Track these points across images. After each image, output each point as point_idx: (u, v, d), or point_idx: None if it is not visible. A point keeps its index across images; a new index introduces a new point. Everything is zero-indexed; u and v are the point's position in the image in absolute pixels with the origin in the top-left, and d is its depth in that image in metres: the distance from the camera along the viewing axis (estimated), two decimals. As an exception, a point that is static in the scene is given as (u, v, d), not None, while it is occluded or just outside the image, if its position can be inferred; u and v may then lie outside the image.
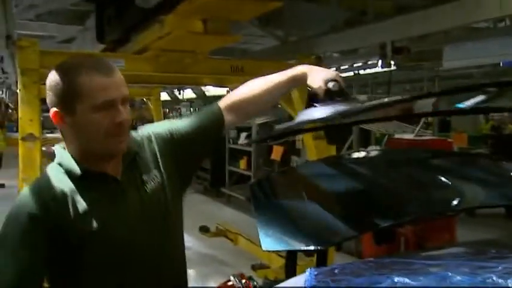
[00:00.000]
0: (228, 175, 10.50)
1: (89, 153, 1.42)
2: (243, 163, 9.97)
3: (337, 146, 6.19)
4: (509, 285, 0.75)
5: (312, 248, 1.19)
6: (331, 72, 1.58)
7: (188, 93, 16.26)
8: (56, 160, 1.47)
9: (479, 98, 1.33)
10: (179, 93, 16.54)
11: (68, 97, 1.37)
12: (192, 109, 17.39)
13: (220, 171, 10.46)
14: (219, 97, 1.74)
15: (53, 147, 1.51)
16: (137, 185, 1.48)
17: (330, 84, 1.51)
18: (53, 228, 1.32)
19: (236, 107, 1.71)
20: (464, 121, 11.60)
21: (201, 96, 15.13)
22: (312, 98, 1.56)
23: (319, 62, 4.69)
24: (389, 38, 5.64)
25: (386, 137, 7.28)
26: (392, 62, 6.13)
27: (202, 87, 13.63)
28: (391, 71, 7.48)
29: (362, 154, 2.74)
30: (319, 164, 2.11)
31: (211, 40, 3.83)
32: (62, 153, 1.46)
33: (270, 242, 1.34)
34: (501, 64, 8.86)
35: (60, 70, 1.41)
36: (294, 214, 1.62)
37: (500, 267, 0.81)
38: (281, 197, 1.79)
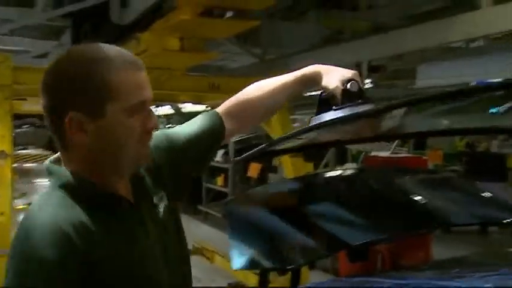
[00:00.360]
0: (205, 192, 10.43)
1: (101, 170, 1.14)
2: (220, 180, 9.92)
3: (314, 163, 6.21)
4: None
5: (282, 267, 1.18)
6: (348, 71, 1.41)
7: (165, 110, 16.19)
8: (56, 181, 1.15)
9: None
10: (156, 110, 16.47)
11: (96, 96, 1.07)
12: (169, 125, 17.30)
13: (197, 188, 10.40)
14: (197, 114, 1.55)
15: (46, 163, 1.19)
16: (150, 208, 1.24)
17: (349, 85, 1.35)
18: (82, 264, 1.06)
19: (237, 112, 1.47)
20: (439, 138, 11.75)
21: (179, 112, 15.09)
22: (326, 101, 1.39)
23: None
24: (365, 56, 5.71)
25: (363, 154, 7.34)
26: (369, 80, 6.20)
27: (179, 104, 13.59)
28: (367, 88, 7.57)
29: (338, 172, 2.76)
30: (294, 181, 2.10)
31: (188, 57, 3.83)
32: (64, 172, 1.15)
33: (241, 260, 1.33)
34: (474, 83, 9.01)
35: (82, 61, 1.08)
36: (267, 233, 1.61)
37: (460, 287, 0.83)
38: (255, 216, 1.77)
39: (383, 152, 6.28)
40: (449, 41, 4.17)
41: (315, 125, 1.37)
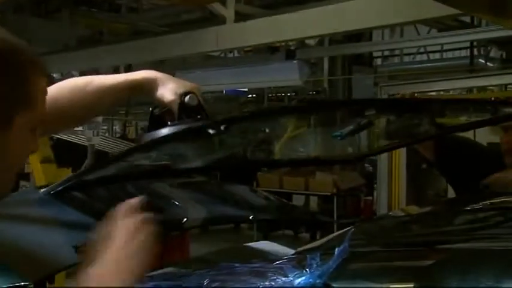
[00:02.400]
0: None
1: None
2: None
3: (73, 168, 5.93)
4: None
5: (16, 284, 1.09)
6: (186, 83, 1.25)
7: None
8: None
9: None
10: None
11: (11, 101, 0.82)
12: None
13: None
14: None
15: None
16: None
17: (187, 98, 1.18)
18: None
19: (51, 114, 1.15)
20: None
21: None
22: (159, 118, 1.22)
23: (51, 81, 4.45)
24: (124, 60, 5.68)
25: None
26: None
27: None
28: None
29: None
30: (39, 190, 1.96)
31: None
32: None
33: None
34: (224, 92, 9.70)
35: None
36: (12, 245, 1.48)
37: (183, 285, 0.93)
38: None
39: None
40: (202, 51, 4.42)
41: (145, 143, 1.14)
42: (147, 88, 1.21)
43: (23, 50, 0.84)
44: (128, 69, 6.16)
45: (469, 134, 2.69)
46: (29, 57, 0.84)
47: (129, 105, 10.53)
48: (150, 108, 1.26)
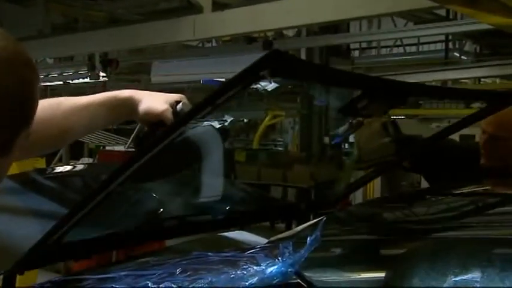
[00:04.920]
0: None
1: None
2: None
3: (47, 158, 5.86)
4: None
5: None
6: (172, 94, 1.17)
7: None
8: None
9: None
10: None
11: (19, 122, 0.69)
12: None
13: None
14: None
15: None
16: None
17: (179, 106, 1.11)
18: None
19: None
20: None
21: None
22: (146, 137, 1.13)
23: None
24: (100, 48, 5.60)
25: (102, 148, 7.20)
26: (103, 74, 6.11)
27: None
28: (104, 82, 7.42)
29: (68, 168, 2.65)
30: (13, 180, 1.93)
31: None
32: None
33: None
34: (201, 82, 9.65)
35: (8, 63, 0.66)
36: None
37: (156, 274, 0.95)
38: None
39: (118, 147, 6.27)
40: (179, 40, 4.39)
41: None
42: (129, 103, 1.13)
43: (27, 56, 0.69)
44: (104, 56, 6.09)
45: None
46: (31, 63, 0.70)
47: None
48: (134, 135, 1.11)
